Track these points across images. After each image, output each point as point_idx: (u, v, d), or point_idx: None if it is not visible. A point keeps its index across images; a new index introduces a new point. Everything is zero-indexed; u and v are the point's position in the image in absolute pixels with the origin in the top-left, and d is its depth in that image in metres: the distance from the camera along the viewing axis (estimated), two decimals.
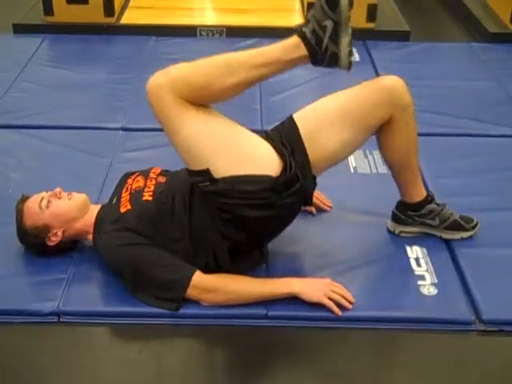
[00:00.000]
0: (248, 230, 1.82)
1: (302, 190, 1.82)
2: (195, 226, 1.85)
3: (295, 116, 1.92)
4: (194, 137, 1.74)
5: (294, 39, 1.72)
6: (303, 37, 1.71)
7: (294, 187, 1.79)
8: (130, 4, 3.98)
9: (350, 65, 1.72)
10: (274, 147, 1.82)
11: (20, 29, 3.70)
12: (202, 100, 1.75)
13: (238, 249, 1.86)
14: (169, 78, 1.70)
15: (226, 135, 1.78)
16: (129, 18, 3.83)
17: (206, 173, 1.74)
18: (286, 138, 1.86)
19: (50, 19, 3.68)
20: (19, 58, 3.37)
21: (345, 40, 1.69)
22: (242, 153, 1.78)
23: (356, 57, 3.48)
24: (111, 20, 3.72)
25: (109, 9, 3.68)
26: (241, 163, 1.75)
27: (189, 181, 1.83)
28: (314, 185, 1.90)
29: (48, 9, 3.64)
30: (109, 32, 3.69)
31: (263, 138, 1.88)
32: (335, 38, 1.69)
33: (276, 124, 1.97)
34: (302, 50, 1.72)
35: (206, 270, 1.85)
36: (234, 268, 1.89)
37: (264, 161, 1.79)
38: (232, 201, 1.76)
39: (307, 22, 1.71)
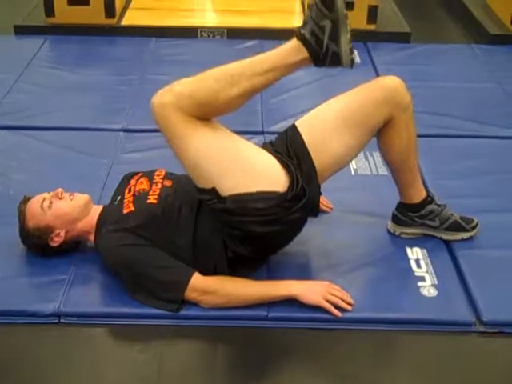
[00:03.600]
0: (255, 244, 1.84)
1: (309, 204, 1.83)
2: (199, 238, 1.86)
3: (298, 124, 1.93)
4: (201, 153, 1.74)
5: (294, 42, 1.72)
6: (303, 39, 1.70)
7: (300, 202, 1.80)
8: (131, 5, 3.99)
9: (352, 62, 1.71)
10: (281, 162, 1.83)
11: (21, 30, 3.70)
12: (207, 114, 1.75)
13: (240, 260, 1.87)
14: (173, 95, 1.69)
15: (232, 151, 1.78)
16: (130, 19, 3.83)
17: (212, 191, 1.75)
18: (291, 148, 1.87)
19: (51, 20, 3.69)
20: (20, 59, 3.38)
21: (344, 38, 1.68)
22: (249, 169, 1.78)
23: (357, 58, 3.49)
24: (112, 21, 3.72)
25: (110, 10, 3.68)
26: (248, 180, 1.76)
27: (197, 195, 1.83)
28: (319, 194, 1.90)
29: (49, 10, 3.65)
30: (110, 33, 3.70)
31: (269, 150, 1.87)
32: (335, 37, 1.68)
33: (277, 123, 1.95)
34: (303, 53, 1.71)
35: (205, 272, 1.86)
36: (234, 274, 1.89)
37: (271, 177, 1.79)
38: (240, 218, 1.77)
39: (305, 23, 1.71)
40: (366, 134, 1.92)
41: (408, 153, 1.98)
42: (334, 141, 1.87)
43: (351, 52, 1.71)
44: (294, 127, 1.92)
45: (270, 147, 1.92)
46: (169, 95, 1.70)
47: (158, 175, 2.02)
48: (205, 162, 1.74)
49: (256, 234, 1.80)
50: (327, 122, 1.89)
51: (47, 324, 1.82)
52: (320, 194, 1.90)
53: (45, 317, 1.83)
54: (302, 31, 1.70)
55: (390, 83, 1.91)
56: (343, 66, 1.72)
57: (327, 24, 1.67)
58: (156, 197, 1.92)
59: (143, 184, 1.98)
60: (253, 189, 1.75)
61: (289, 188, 1.78)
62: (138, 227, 1.86)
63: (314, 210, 1.90)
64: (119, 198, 1.99)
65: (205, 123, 1.74)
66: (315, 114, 1.93)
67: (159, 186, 1.96)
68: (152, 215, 1.88)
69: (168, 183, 1.97)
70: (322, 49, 1.69)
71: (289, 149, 1.87)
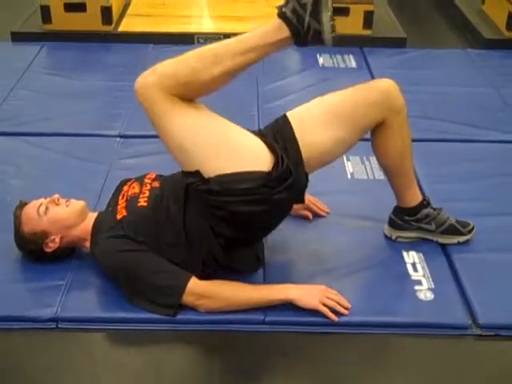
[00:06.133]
0: (241, 226, 1.82)
1: (295, 184, 1.81)
2: (189, 225, 1.85)
3: (289, 114, 1.92)
4: (184, 133, 1.74)
5: (276, 21, 1.71)
6: (284, 17, 1.69)
7: (286, 182, 1.79)
8: (128, 12, 4.00)
9: (334, 40, 1.70)
10: (265, 142, 1.82)
11: (18, 37, 3.71)
12: (191, 94, 1.75)
13: (231, 245, 1.86)
14: (156, 75, 1.71)
15: (216, 131, 1.78)
16: (127, 25, 3.84)
17: (197, 174, 1.75)
18: (278, 135, 1.86)
19: (48, 27, 3.70)
20: (17, 65, 3.38)
21: (326, 15, 1.68)
22: (232, 149, 1.78)
23: (353, 63, 3.51)
24: (109, 28, 3.73)
25: (107, 17, 3.70)
26: (231, 160, 1.75)
27: (183, 182, 1.83)
28: (306, 181, 1.88)
29: (46, 17, 3.66)
30: (107, 40, 3.71)
31: (255, 134, 1.87)
32: (316, 14, 1.67)
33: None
34: (285, 31, 1.70)
35: (204, 274, 1.87)
36: (231, 264, 1.90)
37: (255, 156, 1.79)
38: (225, 198, 1.76)
39: (287, 2, 1.70)
40: (357, 133, 1.92)
41: (403, 156, 1.99)
42: (324, 134, 1.86)
43: (333, 29, 1.69)
44: (284, 116, 1.92)
45: (257, 133, 1.91)
46: (152, 76, 1.71)
47: (149, 178, 2.03)
48: (188, 143, 1.74)
49: (241, 213, 1.78)
50: (319, 115, 1.89)
51: (45, 329, 1.83)
52: (307, 181, 1.88)
53: (42, 322, 1.83)
54: (284, 9, 1.69)
55: (383, 86, 1.92)
56: (325, 43, 1.70)
57: (308, 1, 1.67)
58: (146, 199, 1.93)
59: (135, 188, 1.99)
60: (237, 169, 1.74)
61: (274, 167, 1.77)
62: (131, 232, 1.87)
63: (300, 195, 1.89)
64: (113, 204, 2.00)
65: (188, 103, 1.74)
66: (308, 107, 1.93)
67: (148, 187, 1.97)
68: (143, 218, 1.88)
69: (156, 184, 1.98)
70: (304, 27, 1.68)
71: (276, 135, 1.86)
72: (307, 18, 1.67)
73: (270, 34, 1.72)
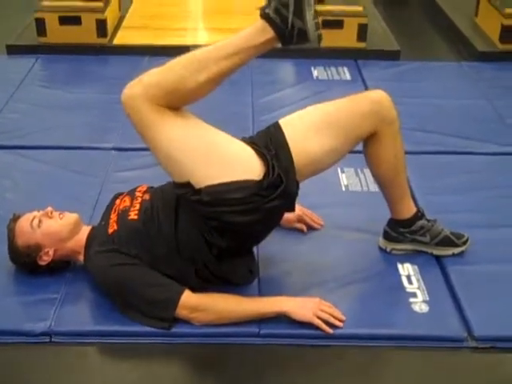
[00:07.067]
0: (233, 235, 1.82)
1: (286, 192, 1.80)
2: (181, 235, 1.85)
3: (281, 121, 1.92)
4: (173, 144, 1.74)
5: (259, 22, 1.70)
6: (267, 18, 1.69)
7: (278, 190, 1.78)
8: (123, 24, 4.01)
9: (319, 38, 1.69)
10: (256, 150, 1.82)
11: (13, 49, 3.72)
12: (178, 102, 1.75)
13: (224, 255, 1.86)
14: (142, 86, 1.70)
15: (205, 141, 1.77)
16: (122, 38, 3.85)
17: (188, 185, 1.75)
18: (271, 142, 1.85)
19: (43, 40, 3.71)
20: (13, 78, 3.39)
21: (309, 13, 1.67)
22: (222, 158, 1.77)
23: (347, 76, 3.52)
24: (104, 41, 3.74)
25: (101, 30, 3.71)
26: (221, 169, 1.75)
27: (174, 193, 1.83)
28: (297, 189, 1.87)
29: (41, 30, 3.67)
30: (102, 52, 3.71)
31: (245, 142, 1.87)
32: (299, 13, 1.66)
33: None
34: (269, 32, 1.69)
35: (199, 286, 1.86)
36: (224, 275, 1.90)
37: (245, 165, 1.78)
38: (217, 208, 1.75)
39: (269, 2, 1.69)
40: (348, 143, 1.92)
41: (396, 167, 1.99)
42: (316, 142, 1.86)
43: (317, 27, 1.69)
44: (277, 124, 1.91)
45: (248, 140, 1.90)
46: (138, 86, 1.71)
47: (140, 191, 2.02)
48: (177, 153, 1.73)
49: (234, 224, 1.78)
50: (311, 123, 1.88)
51: (38, 343, 1.82)
52: (298, 189, 1.87)
53: (36, 336, 1.82)
54: (267, 10, 1.68)
55: (376, 97, 1.93)
56: (310, 42, 1.69)
57: (290, 0, 1.66)
58: (136, 212, 1.92)
59: (126, 202, 1.99)
60: (227, 178, 1.74)
61: (265, 176, 1.77)
62: (123, 246, 1.86)
63: (291, 203, 1.88)
64: (106, 218, 1.99)
65: (176, 113, 1.74)
66: (300, 115, 1.93)
67: (139, 200, 1.97)
68: (134, 231, 1.88)
69: (147, 197, 1.97)
70: (288, 26, 1.67)
71: (268, 143, 1.85)
72: (291, 17, 1.66)
73: (254, 35, 1.71)
